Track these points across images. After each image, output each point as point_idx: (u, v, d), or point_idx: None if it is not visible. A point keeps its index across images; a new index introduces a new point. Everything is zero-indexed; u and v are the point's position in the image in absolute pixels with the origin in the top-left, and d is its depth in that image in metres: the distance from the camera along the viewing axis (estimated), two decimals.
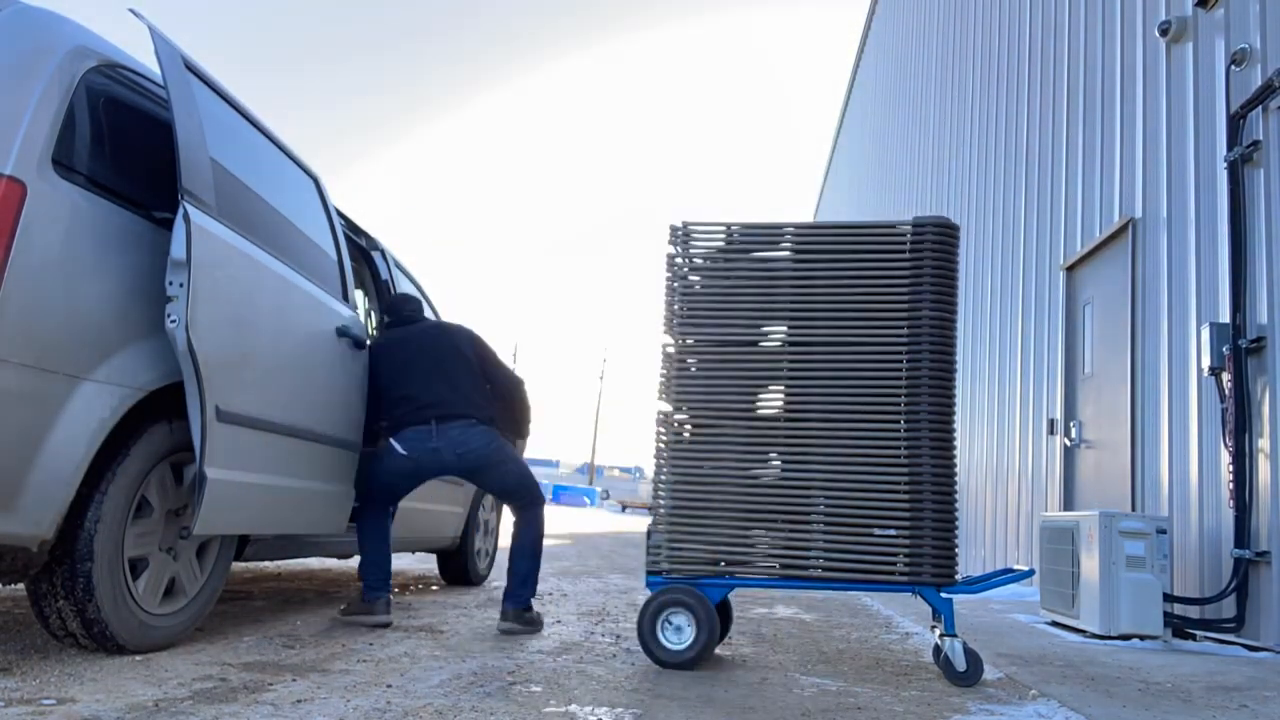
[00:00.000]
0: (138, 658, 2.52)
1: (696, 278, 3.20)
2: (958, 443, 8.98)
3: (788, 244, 3.15)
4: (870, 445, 2.98)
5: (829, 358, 3.06)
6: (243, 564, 5.42)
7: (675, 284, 3.20)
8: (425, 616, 3.80)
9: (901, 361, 3.01)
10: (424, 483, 3.66)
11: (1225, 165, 4.41)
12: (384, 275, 4.44)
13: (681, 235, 3.22)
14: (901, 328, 3.03)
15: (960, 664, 2.83)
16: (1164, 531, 4.24)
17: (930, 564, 2.89)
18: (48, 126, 2.28)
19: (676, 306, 3.18)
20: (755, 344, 3.13)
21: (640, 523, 25.92)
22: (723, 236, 3.20)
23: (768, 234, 3.17)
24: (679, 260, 3.21)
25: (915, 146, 11.81)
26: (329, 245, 3.52)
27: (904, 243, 3.07)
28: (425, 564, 6.63)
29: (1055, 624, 4.67)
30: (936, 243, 3.05)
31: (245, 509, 2.76)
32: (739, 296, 3.14)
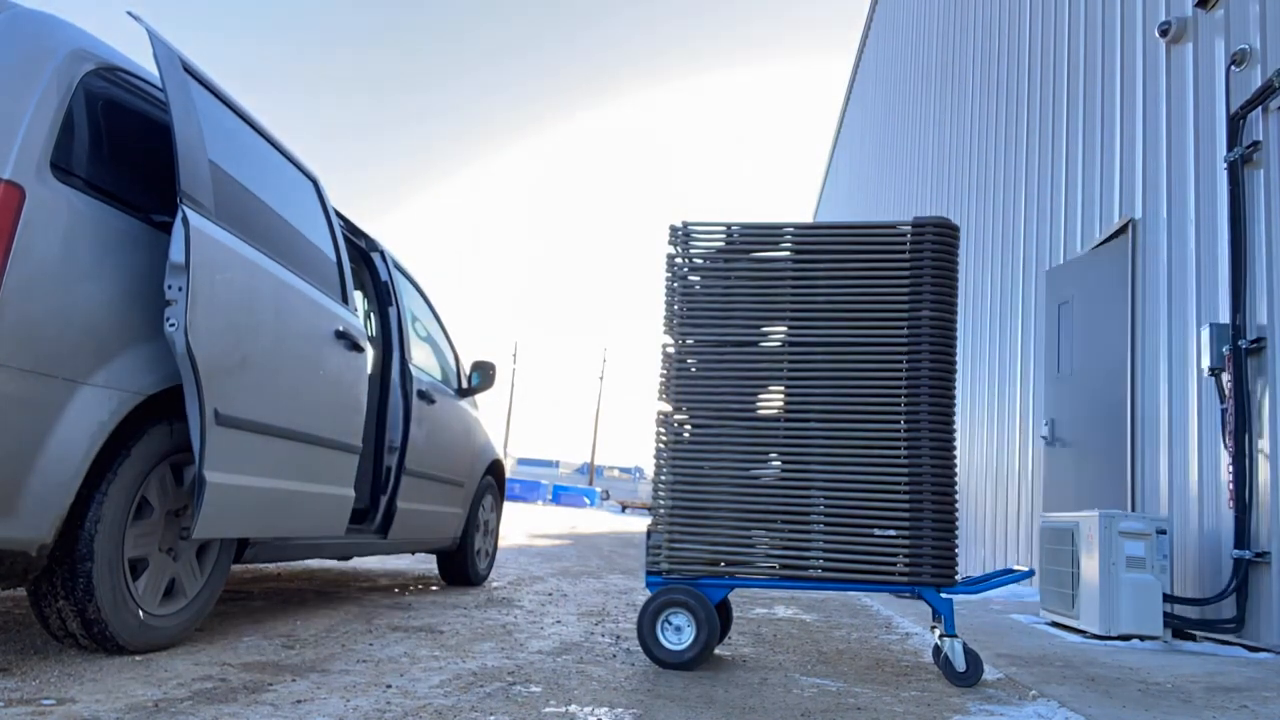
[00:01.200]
0: (137, 658, 2.53)
1: (696, 278, 3.20)
2: (958, 443, 8.98)
3: (788, 244, 3.15)
4: (870, 445, 2.98)
5: (829, 358, 3.06)
6: (242, 564, 5.42)
7: (675, 284, 3.20)
8: (425, 616, 3.81)
9: (901, 362, 3.01)
10: None
11: (1225, 165, 4.41)
12: (383, 277, 4.44)
13: (681, 235, 3.22)
14: (901, 328, 3.03)
15: (960, 664, 2.83)
16: (1164, 532, 4.24)
17: (930, 564, 2.89)
18: (46, 130, 2.29)
19: (676, 306, 3.19)
20: (755, 344, 3.13)
21: (640, 523, 25.92)
22: (723, 236, 3.21)
23: (768, 234, 3.17)
24: (679, 260, 3.21)
25: (915, 146, 11.81)
26: (328, 247, 3.52)
27: (904, 243, 3.07)
28: (425, 564, 6.64)
29: (1055, 624, 4.67)
30: (936, 243, 3.05)
31: (245, 512, 2.77)
32: (739, 297, 3.15)
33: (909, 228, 3.08)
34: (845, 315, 3.07)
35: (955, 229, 3.11)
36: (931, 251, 3.05)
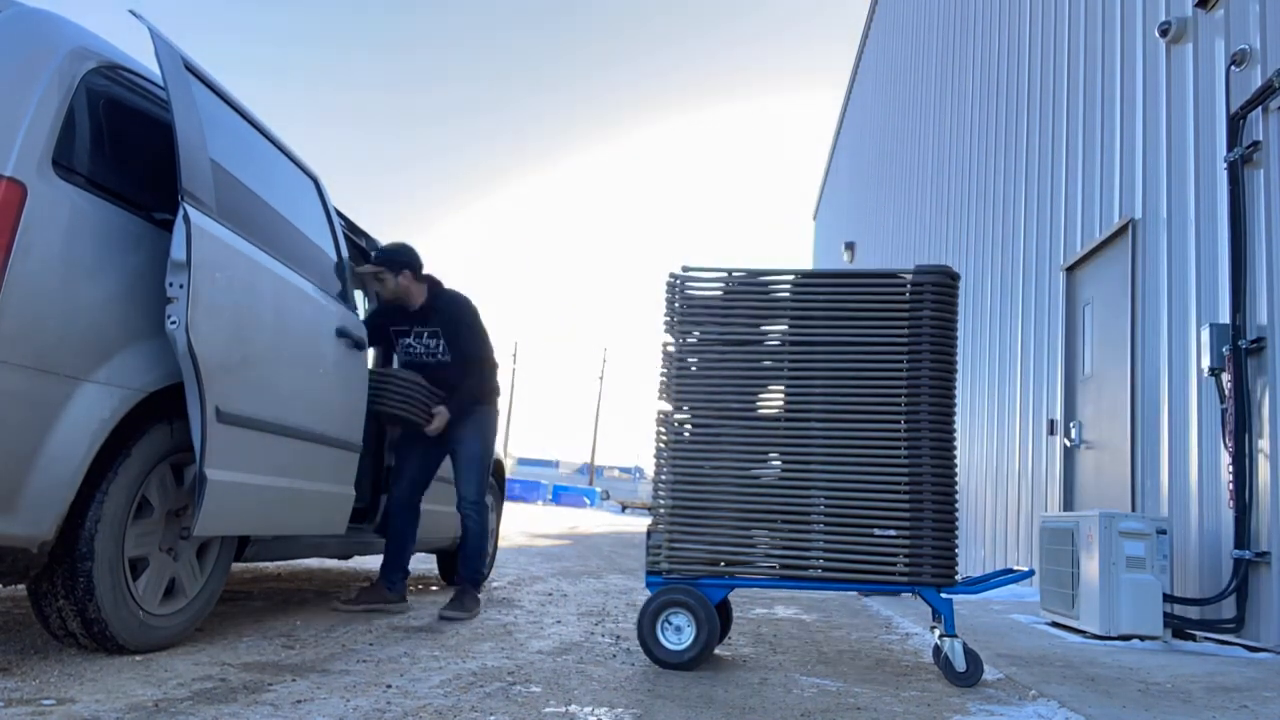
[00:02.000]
0: (138, 658, 2.53)
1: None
2: (958, 443, 8.98)
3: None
4: (870, 445, 2.98)
5: (829, 357, 3.06)
6: (243, 564, 5.41)
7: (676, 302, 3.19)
8: (425, 616, 3.81)
9: (902, 361, 3.01)
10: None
11: (1225, 165, 4.41)
12: None
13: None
14: (902, 327, 3.03)
15: (960, 664, 2.83)
16: (1164, 532, 4.24)
17: (930, 564, 2.89)
18: (48, 128, 2.29)
19: (677, 305, 3.18)
20: (756, 343, 3.13)
21: (640, 523, 25.92)
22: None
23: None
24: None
25: (915, 146, 11.81)
26: (329, 246, 3.52)
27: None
28: (425, 564, 6.63)
29: (1055, 624, 4.67)
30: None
31: (245, 510, 2.77)
32: (737, 307, 3.14)
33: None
34: (846, 314, 3.07)
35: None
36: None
